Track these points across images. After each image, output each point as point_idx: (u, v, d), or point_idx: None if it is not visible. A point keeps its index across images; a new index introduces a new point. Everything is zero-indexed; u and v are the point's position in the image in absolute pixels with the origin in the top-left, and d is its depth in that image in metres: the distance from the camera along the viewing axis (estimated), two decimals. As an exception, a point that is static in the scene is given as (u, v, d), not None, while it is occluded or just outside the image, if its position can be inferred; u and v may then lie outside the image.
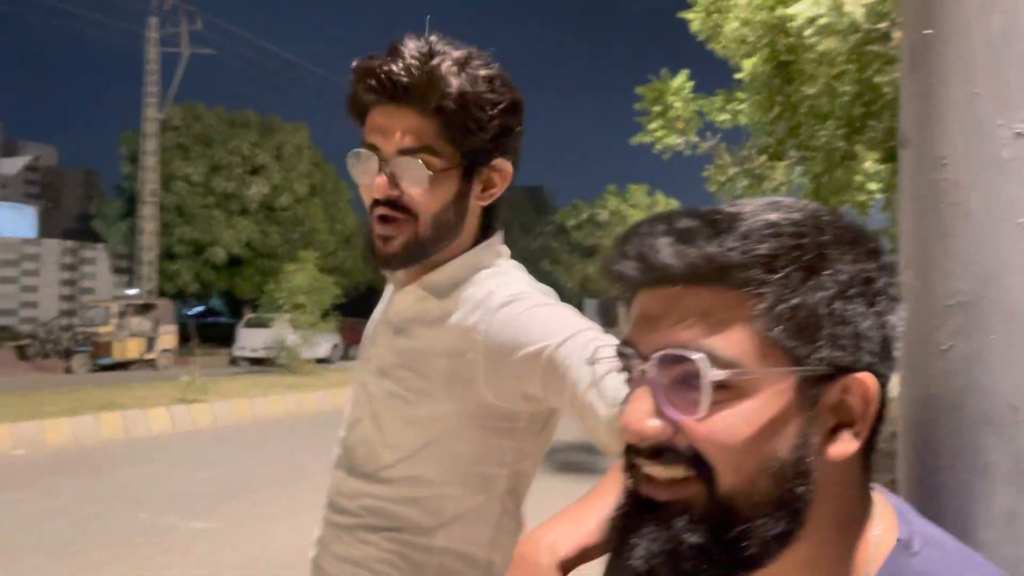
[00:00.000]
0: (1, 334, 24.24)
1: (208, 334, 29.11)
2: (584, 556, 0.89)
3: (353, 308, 23.26)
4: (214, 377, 15.15)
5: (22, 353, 22.27)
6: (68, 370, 20.63)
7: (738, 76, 7.43)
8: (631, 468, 0.62)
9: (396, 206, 1.15)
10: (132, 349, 22.09)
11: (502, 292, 1.15)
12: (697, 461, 0.58)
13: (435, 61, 1.11)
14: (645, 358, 0.60)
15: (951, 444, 0.81)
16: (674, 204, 36.78)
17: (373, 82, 1.12)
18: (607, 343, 0.99)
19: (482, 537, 1.19)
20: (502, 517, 1.20)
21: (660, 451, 0.59)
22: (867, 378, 0.59)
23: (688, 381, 0.58)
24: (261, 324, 22.63)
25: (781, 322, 0.58)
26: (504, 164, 1.18)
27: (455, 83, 1.10)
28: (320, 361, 21.24)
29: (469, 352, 1.14)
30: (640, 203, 43.34)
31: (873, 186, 7.25)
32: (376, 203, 1.16)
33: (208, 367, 18.50)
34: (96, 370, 20.73)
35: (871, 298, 0.60)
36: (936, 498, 0.81)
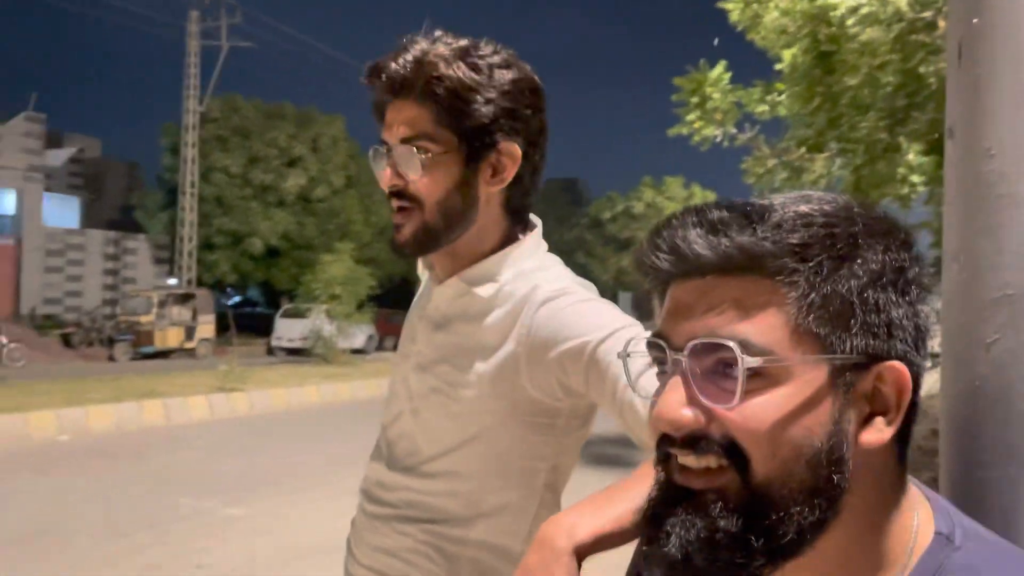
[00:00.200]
0: (47, 322, 24.80)
1: (246, 324, 29.51)
2: (601, 543, 0.90)
3: (388, 299, 23.42)
4: (251, 366, 15.38)
5: (67, 341, 22.79)
6: (111, 358, 21.08)
7: (778, 67, 7.33)
8: (665, 459, 0.62)
9: (404, 195, 1.17)
10: (172, 338, 22.51)
11: (546, 287, 1.15)
12: (731, 450, 0.58)
13: (428, 53, 1.14)
14: (678, 348, 0.60)
15: (996, 439, 0.79)
16: (711, 196, 36.37)
17: (377, 80, 1.17)
18: (647, 336, 1.01)
19: (520, 531, 1.19)
20: (540, 511, 1.20)
21: (694, 440, 0.59)
22: (900, 366, 0.60)
23: (721, 370, 0.58)
24: (298, 315, 22.90)
25: (813, 310, 0.58)
26: (511, 147, 1.17)
27: (447, 70, 1.13)
28: (355, 351, 21.45)
29: (511, 347, 1.15)
30: (676, 195, 42.97)
31: (916, 179, 7.11)
32: (390, 195, 1.19)
33: (246, 356, 18.78)
34: (137, 358, 21.16)
35: (903, 287, 0.61)
36: (980, 494, 0.80)
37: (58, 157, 32.16)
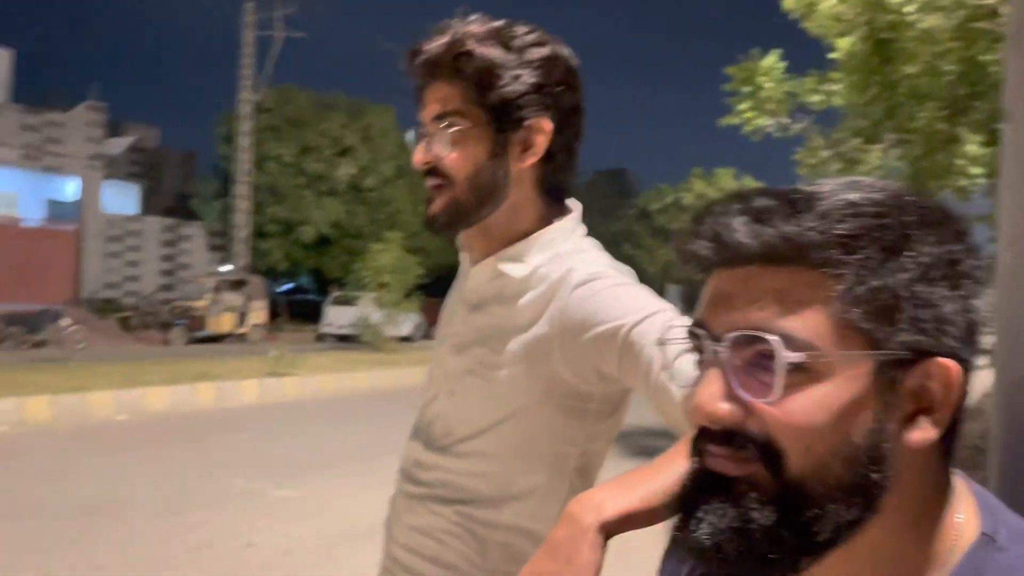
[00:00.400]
0: (105, 306, 25.51)
1: (296, 311, 30.00)
2: (629, 522, 0.90)
3: (436, 288, 23.54)
4: (302, 352, 15.63)
5: (125, 325, 23.43)
6: (166, 342, 21.62)
7: (832, 55, 7.18)
8: (700, 452, 0.61)
9: (436, 172, 1.19)
10: (225, 323, 22.99)
11: (581, 270, 1.16)
12: (768, 445, 0.57)
13: (460, 33, 1.16)
14: (717, 339, 0.59)
15: (1049, 429, 0.78)
16: (762, 188, 35.75)
17: (414, 63, 1.19)
18: (682, 324, 1.01)
19: (550, 515, 1.19)
20: (569, 496, 1.19)
21: (730, 435, 0.58)
22: (949, 363, 0.57)
23: (762, 363, 0.57)
24: (347, 302, 23.19)
25: (860, 304, 0.56)
26: (542, 123, 1.17)
27: (476, 48, 1.14)
28: (403, 339, 21.66)
29: (545, 329, 1.15)
30: (727, 187, 42.36)
31: (976, 170, 6.92)
32: (424, 173, 1.21)
33: (296, 342, 19.09)
34: (191, 342, 21.65)
35: (955, 281, 0.58)
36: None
37: (118, 145, 32.97)
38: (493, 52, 1.15)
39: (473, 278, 1.27)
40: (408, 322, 22.50)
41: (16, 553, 4.56)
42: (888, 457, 0.57)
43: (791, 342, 0.56)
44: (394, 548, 1.30)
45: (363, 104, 31.59)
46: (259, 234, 29.71)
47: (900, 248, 0.57)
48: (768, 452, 0.57)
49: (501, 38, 1.16)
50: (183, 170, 36.03)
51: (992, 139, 6.51)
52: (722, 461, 0.59)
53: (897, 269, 0.57)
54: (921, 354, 0.57)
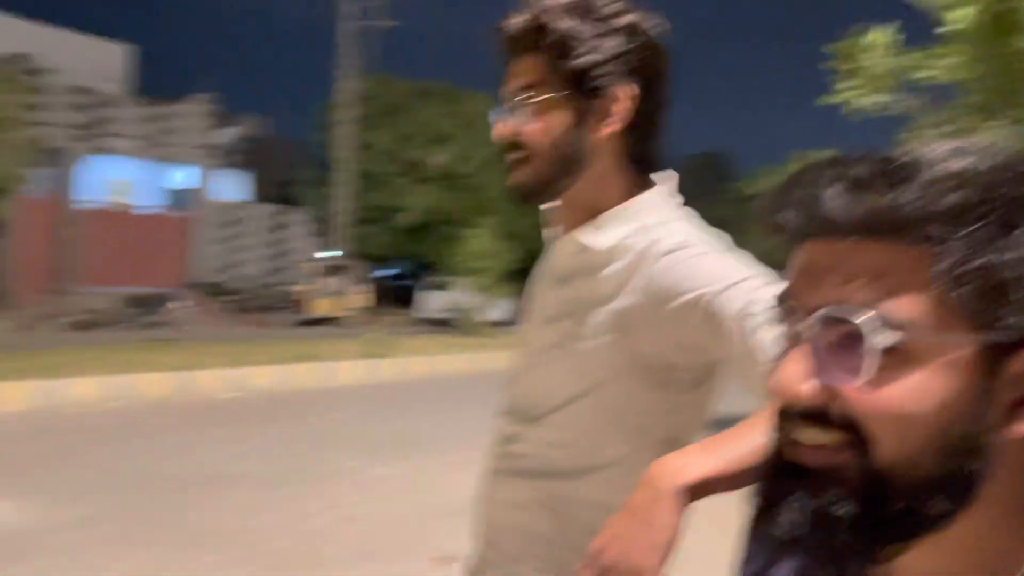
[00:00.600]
0: (214, 290, 26.74)
1: (394, 295, 30.69)
2: (710, 486, 0.89)
3: (529, 273, 23.60)
4: (398, 335, 16.01)
5: (232, 308, 24.53)
6: (270, 324, 22.52)
7: (942, 30, 6.85)
8: (781, 431, 0.58)
9: (516, 146, 1.20)
10: (326, 307, 23.77)
11: (666, 240, 1.15)
12: (854, 431, 0.53)
13: (540, 6, 1.17)
14: (806, 315, 0.55)
15: None
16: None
17: (496, 43, 1.22)
18: (770, 291, 0.96)
19: (632, 488, 1.18)
20: None
21: (814, 416, 0.54)
22: None
23: (852, 344, 0.52)
24: (442, 287, 23.60)
25: (963, 284, 0.51)
26: (623, 90, 1.16)
27: (555, 20, 1.16)
28: (497, 324, 21.89)
29: (629, 301, 1.15)
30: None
31: (1101, 149, 6.49)
32: (505, 149, 1.22)
33: (393, 326, 19.55)
34: (294, 325, 22.47)
35: None
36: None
37: (228, 135, 34.36)
38: (570, 23, 1.16)
39: (558, 252, 1.27)
40: (502, 307, 22.72)
41: (134, 521, 4.88)
42: (987, 449, 0.53)
43: (886, 323, 0.52)
44: (483, 522, 1.32)
45: (459, 91, 31.95)
46: (359, 220, 30.51)
47: (1011, 222, 0.52)
48: (854, 440, 0.53)
49: (580, 9, 1.17)
50: (289, 158, 37.25)
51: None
52: (803, 450, 0.56)
53: (1008, 247, 0.51)
54: None
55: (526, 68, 1.19)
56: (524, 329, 1.35)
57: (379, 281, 30.48)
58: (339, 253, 28.97)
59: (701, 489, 0.90)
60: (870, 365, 0.52)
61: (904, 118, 7.55)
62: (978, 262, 0.51)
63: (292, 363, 11.35)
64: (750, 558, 0.70)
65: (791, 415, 0.56)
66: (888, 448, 0.53)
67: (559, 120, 1.18)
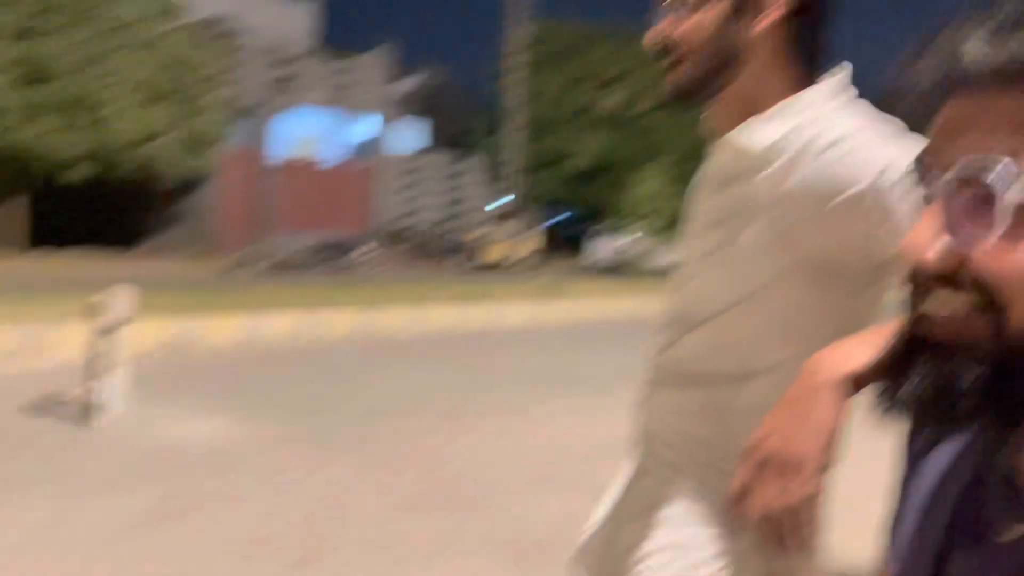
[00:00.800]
0: (395, 236, 28.08)
1: (563, 241, 30.96)
2: (871, 377, 0.85)
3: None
4: (567, 280, 16.22)
5: (411, 253, 25.72)
6: (446, 268, 23.44)
7: None
8: (910, 299, 0.56)
9: (670, 49, 1.18)
10: (498, 252, 24.39)
11: (827, 134, 1.09)
12: (986, 294, 0.50)
13: None
14: (940, 173, 0.52)
15: None
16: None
17: None
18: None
19: None
20: None
21: (945, 280, 0.51)
22: None
23: (986, 201, 0.49)
24: (610, 233, 23.55)
25: None
26: None
27: None
28: (666, 269, 21.67)
29: (789, 201, 1.10)
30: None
31: None
32: (658, 54, 1.20)
33: (562, 272, 19.79)
34: (468, 269, 23.26)
35: None
36: None
37: (407, 85, 35.56)
38: None
39: (716, 156, 1.22)
40: (671, 252, 22.44)
41: (326, 443, 5.35)
42: None
43: (1022, 176, 0.48)
44: (641, 430, 1.32)
45: (629, 31, 31.29)
46: (531, 166, 30.86)
47: None
48: (986, 304, 0.50)
49: None
50: (464, 106, 38.08)
51: None
52: (934, 321, 0.53)
53: None
54: None
55: None
56: (685, 237, 1.31)
57: (549, 227, 30.85)
58: (511, 199, 29.51)
59: (863, 380, 0.86)
60: (1004, 222, 0.48)
61: None
62: None
63: (467, 304, 11.84)
64: (912, 441, 0.69)
65: (922, 280, 0.53)
66: (1021, 311, 0.49)
67: (713, 14, 1.13)
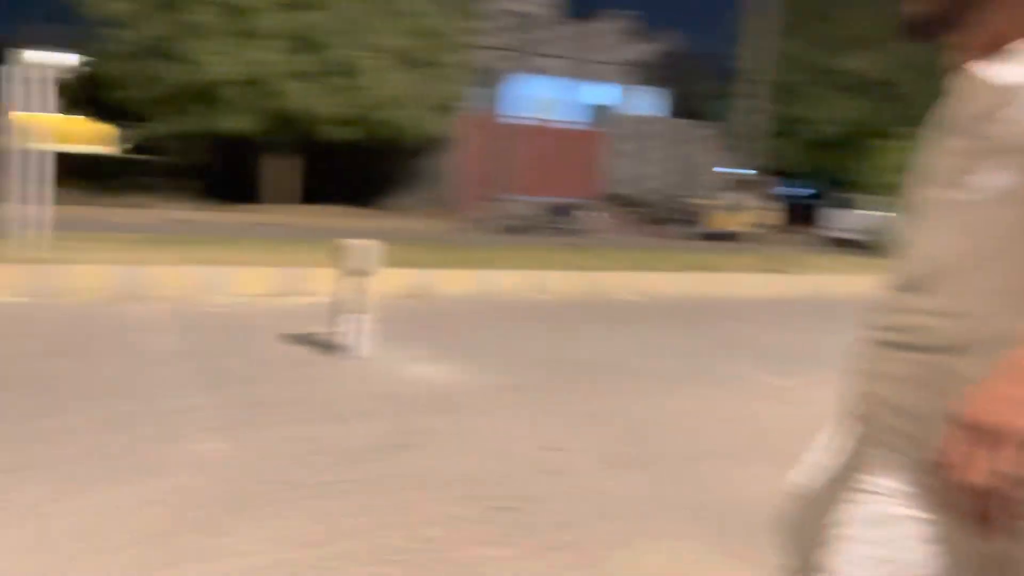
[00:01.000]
0: (623, 201, 28.08)
1: (800, 212, 29.39)
2: None
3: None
4: (801, 253, 15.45)
5: (639, 218, 25.64)
6: (674, 236, 23.12)
7: None
8: None
9: None
10: (732, 222, 23.69)
11: None
12: None
13: None
14: None
15: None
16: None
17: None
18: None
19: None
20: None
21: None
22: None
23: None
24: (853, 205, 22.05)
25: None
26: None
27: None
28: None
29: None
30: None
31: None
32: None
33: (796, 244, 18.85)
34: (696, 238, 22.81)
35: None
36: None
37: (644, 51, 35.17)
38: None
39: (955, 97, 1.12)
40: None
41: (546, 394, 5.56)
42: None
43: None
44: (855, 401, 1.27)
45: (890, -12, 28.82)
46: (772, 134, 29.49)
47: None
48: None
49: None
50: (701, 73, 37.06)
51: None
52: None
53: None
54: None
55: None
56: (918, 188, 1.21)
57: (785, 196, 29.42)
58: (745, 168, 28.43)
59: None
60: None
61: None
62: None
63: (692, 272, 11.67)
64: None
65: None
66: None
67: None
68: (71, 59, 25.00)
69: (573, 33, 30.51)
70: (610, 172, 30.48)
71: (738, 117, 30.20)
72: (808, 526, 1.29)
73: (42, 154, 8.87)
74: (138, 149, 30.59)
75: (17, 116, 8.86)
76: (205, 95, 21.07)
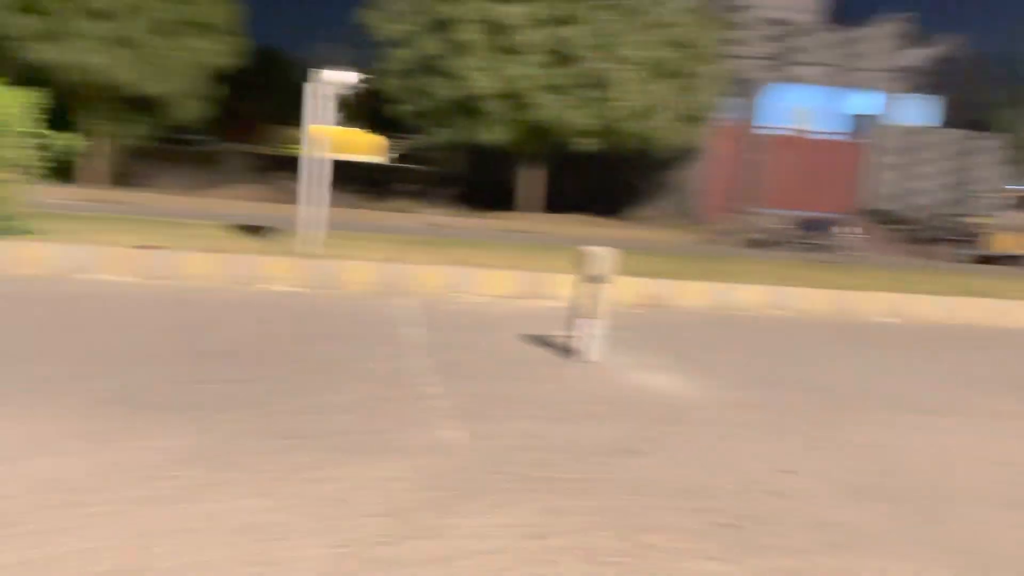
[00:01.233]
0: (884, 217, 26.03)
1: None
2: None
3: None
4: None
5: (900, 236, 23.65)
6: (940, 256, 21.09)
7: None
8: None
9: None
10: (1011, 243, 21.19)
11: None
12: None
13: None
14: None
15: None
16: None
17: None
18: None
19: None
20: None
21: None
22: None
23: None
24: None
25: None
26: None
27: None
28: None
29: None
30: None
31: None
32: None
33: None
34: (969, 260, 20.65)
35: None
36: None
37: (917, 57, 32.50)
38: None
39: None
40: None
41: (778, 415, 5.35)
42: None
43: None
44: None
45: None
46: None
47: None
48: None
49: None
50: (982, 80, 33.57)
51: None
52: None
53: None
54: None
55: None
56: None
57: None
58: (1036, 184, 25.34)
59: None
60: None
61: None
62: None
63: (961, 296, 10.62)
64: None
65: None
66: None
67: None
68: (352, 77, 27.67)
69: (837, 40, 28.84)
70: (872, 186, 28.43)
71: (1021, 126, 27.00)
72: None
73: (323, 162, 9.96)
74: (404, 159, 33.26)
75: (311, 128, 10.02)
76: (469, 108, 22.49)
